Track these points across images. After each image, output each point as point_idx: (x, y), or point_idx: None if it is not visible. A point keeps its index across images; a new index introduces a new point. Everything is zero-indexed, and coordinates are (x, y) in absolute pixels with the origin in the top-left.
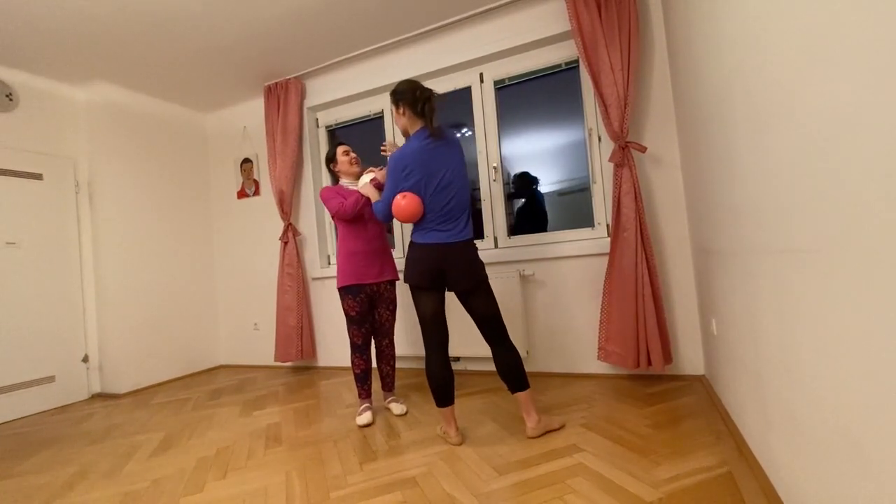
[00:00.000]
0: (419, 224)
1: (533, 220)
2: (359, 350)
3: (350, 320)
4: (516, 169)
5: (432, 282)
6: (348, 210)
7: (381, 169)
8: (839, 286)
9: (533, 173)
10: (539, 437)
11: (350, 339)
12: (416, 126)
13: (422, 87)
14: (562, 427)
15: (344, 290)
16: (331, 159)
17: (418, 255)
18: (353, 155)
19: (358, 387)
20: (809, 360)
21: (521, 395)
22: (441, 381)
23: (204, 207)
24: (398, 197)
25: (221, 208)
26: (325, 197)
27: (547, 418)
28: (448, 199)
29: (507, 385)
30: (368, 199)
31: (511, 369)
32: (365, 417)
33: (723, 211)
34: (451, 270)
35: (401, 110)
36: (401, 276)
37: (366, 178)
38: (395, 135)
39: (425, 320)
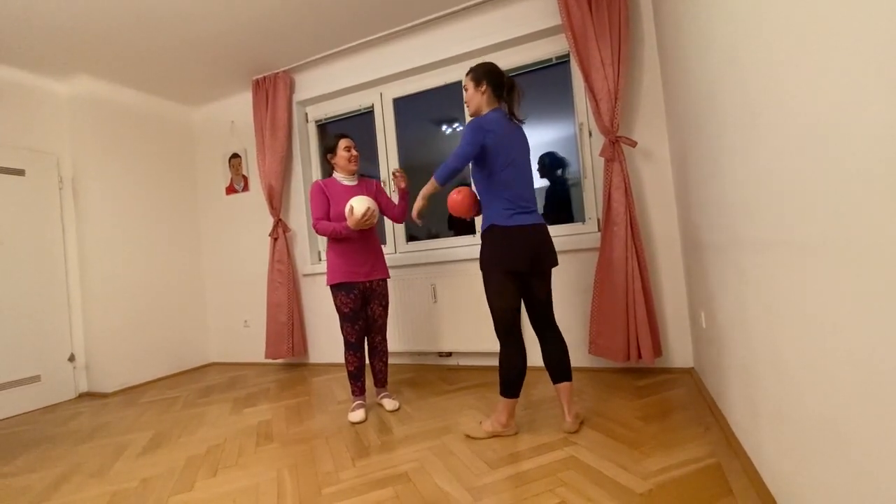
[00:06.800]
0: (499, 205)
1: (561, 208)
2: (352, 347)
3: (343, 317)
4: None
5: (531, 264)
6: (319, 232)
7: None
8: (825, 281)
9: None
10: (577, 431)
11: (343, 336)
12: (491, 106)
13: (505, 73)
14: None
15: (335, 288)
16: (330, 149)
17: (514, 239)
18: (354, 153)
19: (351, 384)
20: (795, 353)
21: (563, 386)
22: (521, 371)
23: (192, 203)
24: (467, 190)
25: (210, 204)
26: (311, 197)
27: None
28: (527, 181)
29: (551, 374)
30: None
31: (559, 358)
32: (357, 415)
33: (712, 205)
34: (542, 252)
35: (482, 88)
36: (395, 273)
37: (360, 205)
38: (385, 131)
39: (510, 309)
